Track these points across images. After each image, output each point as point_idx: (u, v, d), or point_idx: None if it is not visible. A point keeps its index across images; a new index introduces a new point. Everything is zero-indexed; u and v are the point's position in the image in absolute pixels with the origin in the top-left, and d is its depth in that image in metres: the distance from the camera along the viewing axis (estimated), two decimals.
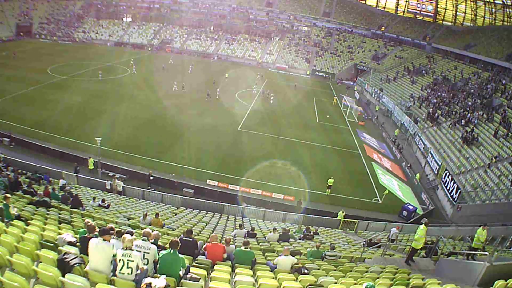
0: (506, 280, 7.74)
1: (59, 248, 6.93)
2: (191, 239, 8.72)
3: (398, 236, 18.10)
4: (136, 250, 6.49)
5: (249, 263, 8.65)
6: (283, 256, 8.78)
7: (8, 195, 9.87)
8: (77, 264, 6.02)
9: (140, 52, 71.05)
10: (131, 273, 5.80)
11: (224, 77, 55.45)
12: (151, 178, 23.48)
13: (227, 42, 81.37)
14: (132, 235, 7.46)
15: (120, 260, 5.76)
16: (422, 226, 11.26)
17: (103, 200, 16.10)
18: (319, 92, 59.25)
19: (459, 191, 25.16)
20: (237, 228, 14.20)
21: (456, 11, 76.15)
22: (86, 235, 6.92)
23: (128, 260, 5.72)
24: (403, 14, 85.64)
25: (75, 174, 22.04)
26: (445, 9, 78.93)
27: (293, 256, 9.24)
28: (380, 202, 26.17)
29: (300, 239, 15.32)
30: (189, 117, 36.81)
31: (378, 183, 28.87)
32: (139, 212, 16.51)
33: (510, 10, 61.96)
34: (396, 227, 17.92)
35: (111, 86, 44.07)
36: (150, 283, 5.43)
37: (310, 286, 7.56)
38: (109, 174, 23.84)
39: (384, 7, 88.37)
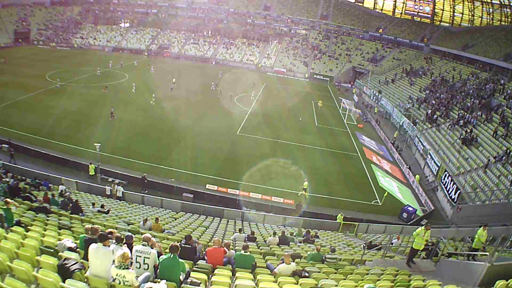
0: (507, 280, 7.73)
1: (59, 254, 6.94)
2: (189, 246, 8.71)
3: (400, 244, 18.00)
4: (137, 256, 6.50)
5: (249, 267, 8.64)
6: (284, 264, 8.64)
7: (8, 200, 9.88)
8: (77, 270, 6.03)
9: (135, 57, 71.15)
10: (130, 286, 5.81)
11: (172, 82, 50.04)
12: (146, 181, 23.56)
13: (225, 47, 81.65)
14: (131, 239, 7.49)
15: (115, 278, 5.75)
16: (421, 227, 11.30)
17: (102, 206, 16.09)
18: (318, 96, 59.23)
19: (458, 192, 25.16)
20: (237, 232, 14.18)
21: (454, 12, 76.53)
22: (90, 237, 6.93)
23: (123, 280, 5.70)
24: (401, 16, 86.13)
25: (13, 165, 22.73)
26: (443, 10, 79.40)
27: (294, 260, 9.20)
28: (380, 204, 26.15)
29: (300, 243, 15.29)
30: (188, 120, 36.88)
31: (378, 185, 28.85)
32: (139, 217, 16.50)
33: (508, 10, 62.33)
34: (397, 237, 17.72)
35: (108, 91, 44.06)
36: None
37: None
38: (109, 180, 23.86)
39: (382, 9, 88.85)
